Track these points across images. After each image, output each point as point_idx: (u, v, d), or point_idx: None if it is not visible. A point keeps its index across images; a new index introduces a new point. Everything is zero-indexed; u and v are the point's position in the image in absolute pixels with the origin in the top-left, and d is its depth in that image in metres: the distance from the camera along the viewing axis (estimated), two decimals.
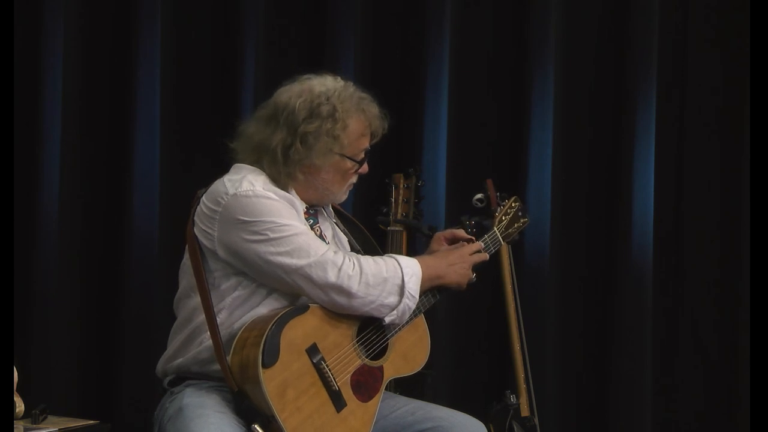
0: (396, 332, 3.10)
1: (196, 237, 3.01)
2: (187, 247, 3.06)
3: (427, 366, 3.22)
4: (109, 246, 4.17)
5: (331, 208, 3.24)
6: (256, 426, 2.87)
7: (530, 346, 3.73)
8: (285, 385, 2.89)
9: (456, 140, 4.30)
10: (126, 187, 4.15)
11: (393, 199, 3.63)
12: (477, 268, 3.23)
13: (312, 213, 3.15)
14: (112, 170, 4.17)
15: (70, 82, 4.06)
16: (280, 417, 2.86)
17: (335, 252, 3.01)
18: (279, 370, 2.88)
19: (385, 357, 3.09)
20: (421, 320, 3.19)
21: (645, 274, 4.32)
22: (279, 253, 2.95)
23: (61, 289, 4.07)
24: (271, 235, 2.96)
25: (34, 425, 3.46)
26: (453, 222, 3.45)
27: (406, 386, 3.40)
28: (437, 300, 3.17)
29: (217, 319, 2.98)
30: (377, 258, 3.07)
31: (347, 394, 2.99)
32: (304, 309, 2.97)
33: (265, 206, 2.97)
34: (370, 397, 3.04)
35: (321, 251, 2.97)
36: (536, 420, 3.69)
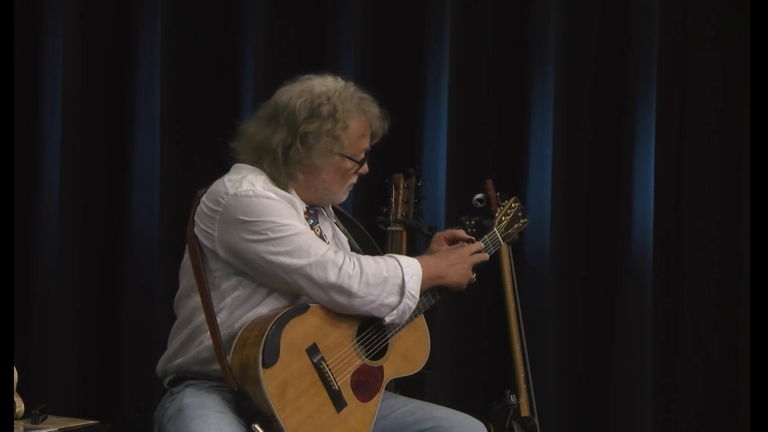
0: (396, 332, 3.10)
1: (196, 237, 3.01)
2: (187, 247, 3.06)
3: (427, 366, 3.21)
4: (109, 246, 4.17)
5: (331, 208, 3.24)
6: (256, 426, 2.86)
7: (530, 346, 3.73)
8: (285, 384, 2.88)
9: (456, 140, 4.30)
10: (126, 187, 4.15)
11: (393, 199, 3.63)
12: (477, 268, 3.22)
13: (312, 213, 3.15)
14: (112, 170, 4.17)
15: (70, 82, 4.06)
16: (280, 417, 2.86)
17: (336, 252, 3.01)
18: (279, 369, 2.88)
19: (385, 357, 3.09)
20: (421, 320, 3.19)
21: (645, 274, 4.32)
22: (279, 253, 2.95)
23: (61, 289, 4.06)
24: (272, 235, 2.95)
25: (34, 425, 3.45)
26: (453, 222, 3.45)
27: (406, 386, 3.40)
28: (437, 300, 3.17)
29: (217, 318, 2.97)
30: (377, 258, 3.07)
31: (347, 394, 2.99)
32: (304, 309, 2.97)
33: (265, 206, 2.97)
34: (370, 397, 3.04)
35: (321, 251, 2.97)
36: (536, 420, 3.69)
